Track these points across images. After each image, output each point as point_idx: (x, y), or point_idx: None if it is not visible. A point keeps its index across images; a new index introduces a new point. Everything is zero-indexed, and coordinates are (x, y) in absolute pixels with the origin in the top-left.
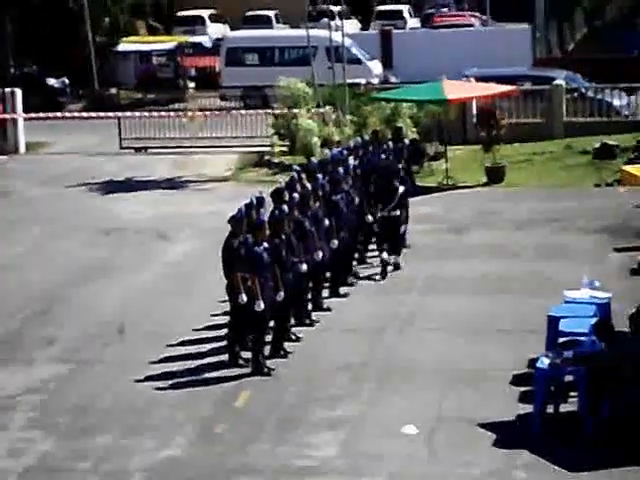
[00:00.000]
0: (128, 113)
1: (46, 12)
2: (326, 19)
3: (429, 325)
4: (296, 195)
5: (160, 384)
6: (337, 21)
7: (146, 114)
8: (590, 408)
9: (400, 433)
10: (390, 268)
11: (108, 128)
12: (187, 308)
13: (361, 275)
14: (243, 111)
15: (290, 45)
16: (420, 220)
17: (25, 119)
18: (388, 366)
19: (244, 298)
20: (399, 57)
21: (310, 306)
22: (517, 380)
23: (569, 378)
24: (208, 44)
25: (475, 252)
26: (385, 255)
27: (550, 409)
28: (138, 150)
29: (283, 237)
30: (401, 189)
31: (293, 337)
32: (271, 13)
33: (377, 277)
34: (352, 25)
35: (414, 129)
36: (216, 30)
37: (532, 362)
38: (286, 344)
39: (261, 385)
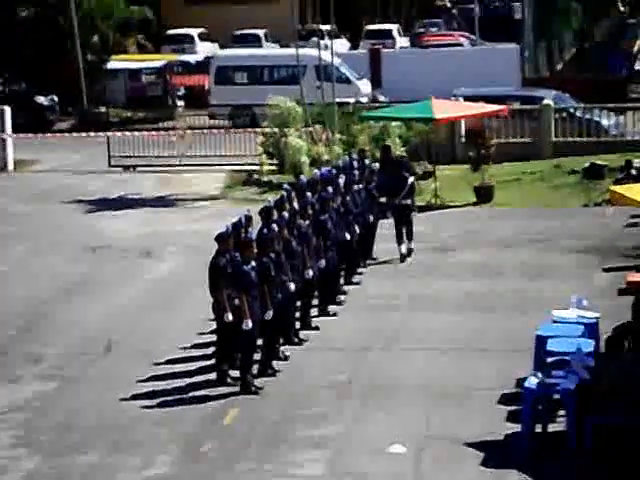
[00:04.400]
0: (117, 132)
1: (35, 30)
2: (315, 38)
3: (415, 343)
4: (285, 214)
5: (146, 402)
6: (326, 40)
7: (135, 132)
8: (576, 426)
9: (386, 452)
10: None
11: (97, 146)
12: (173, 326)
13: (376, 260)
14: (232, 130)
15: (279, 64)
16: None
17: (14, 137)
18: (375, 384)
19: (229, 317)
20: (388, 76)
21: (298, 325)
22: (504, 399)
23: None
24: (197, 63)
25: (462, 271)
26: (403, 249)
27: (538, 428)
28: (127, 168)
29: (272, 255)
30: (410, 179)
31: (281, 356)
32: (260, 32)
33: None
34: (341, 44)
35: (402, 148)
36: (205, 49)
37: (520, 381)
38: (274, 363)
39: (249, 403)
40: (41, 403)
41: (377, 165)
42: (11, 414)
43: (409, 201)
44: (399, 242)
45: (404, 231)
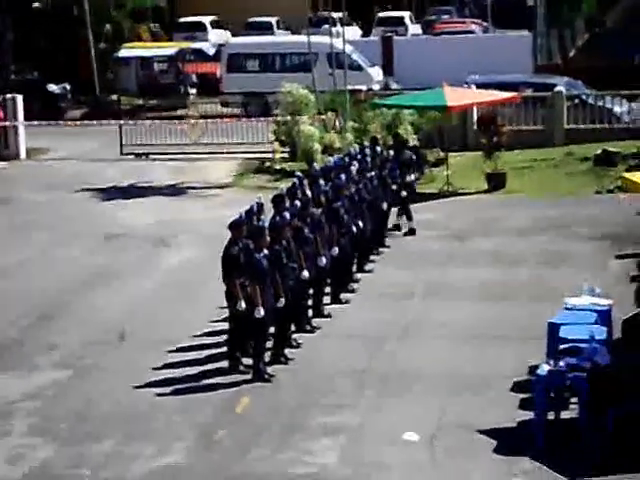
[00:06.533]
0: (130, 120)
1: (48, 18)
2: (327, 25)
3: (430, 332)
4: (297, 202)
5: (160, 390)
6: (338, 27)
7: (147, 120)
8: (591, 419)
9: (400, 440)
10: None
11: (109, 134)
12: (187, 314)
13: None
14: (244, 117)
15: (291, 51)
16: (421, 227)
17: (26, 125)
18: (388, 372)
19: (242, 305)
20: (400, 64)
21: (311, 313)
22: (518, 387)
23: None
24: (209, 50)
25: (476, 259)
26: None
27: (551, 416)
28: (139, 156)
29: (284, 243)
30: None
31: (294, 343)
32: (272, 19)
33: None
34: (353, 31)
35: (415, 136)
36: (217, 36)
37: (533, 369)
38: (287, 350)
39: (261, 391)
40: (56, 391)
41: (391, 152)
42: (27, 402)
43: (413, 177)
44: (410, 218)
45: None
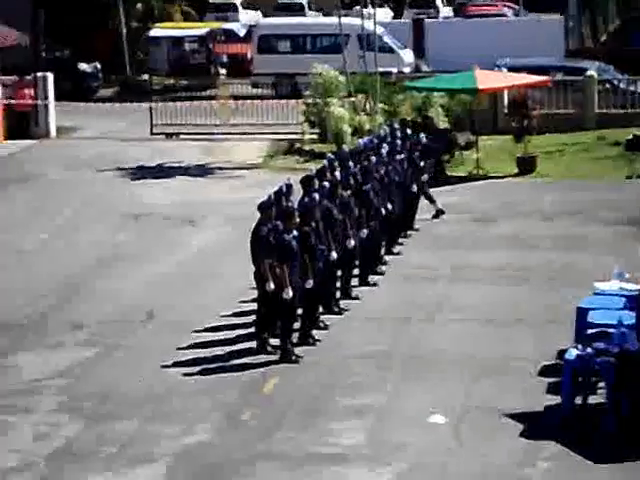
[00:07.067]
0: (160, 100)
1: None
2: (358, 7)
3: (455, 315)
4: (326, 183)
5: (187, 370)
6: (369, 9)
7: (178, 101)
8: (614, 404)
9: (425, 422)
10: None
11: (139, 113)
12: (215, 294)
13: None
14: (274, 99)
15: (322, 33)
16: (449, 209)
17: (56, 104)
18: (414, 355)
19: (272, 286)
20: (431, 46)
21: (339, 294)
22: (544, 370)
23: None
24: (240, 31)
25: (503, 242)
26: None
27: (578, 400)
28: (169, 136)
29: (313, 225)
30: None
31: (321, 325)
32: (304, 1)
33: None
34: (384, 13)
35: (445, 118)
36: (248, 17)
37: (561, 353)
38: (314, 332)
39: (289, 372)
40: (83, 370)
41: (423, 136)
42: (53, 380)
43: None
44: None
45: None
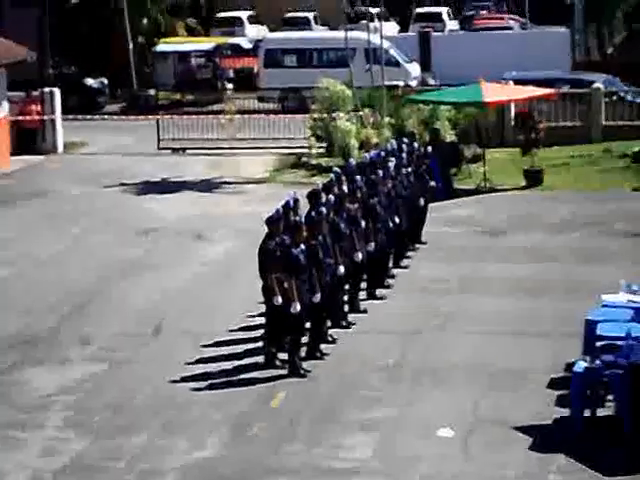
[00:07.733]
0: (167, 115)
1: (85, 12)
2: (365, 21)
3: (465, 327)
4: (332, 197)
5: (196, 384)
6: (376, 23)
7: (184, 115)
8: (631, 417)
9: (435, 435)
10: None
11: (146, 128)
12: (223, 308)
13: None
14: (281, 113)
15: (329, 47)
16: (457, 222)
17: (63, 119)
18: (424, 367)
19: (279, 300)
20: (438, 59)
21: (347, 308)
22: (554, 383)
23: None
24: (247, 46)
25: (512, 255)
26: None
27: (587, 413)
28: (176, 151)
29: (320, 239)
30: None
31: (329, 339)
32: (310, 15)
33: None
34: (391, 27)
35: (452, 131)
36: (255, 31)
37: (570, 366)
38: (322, 346)
39: (297, 386)
40: (92, 384)
41: (430, 149)
42: (62, 395)
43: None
44: None
45: None
